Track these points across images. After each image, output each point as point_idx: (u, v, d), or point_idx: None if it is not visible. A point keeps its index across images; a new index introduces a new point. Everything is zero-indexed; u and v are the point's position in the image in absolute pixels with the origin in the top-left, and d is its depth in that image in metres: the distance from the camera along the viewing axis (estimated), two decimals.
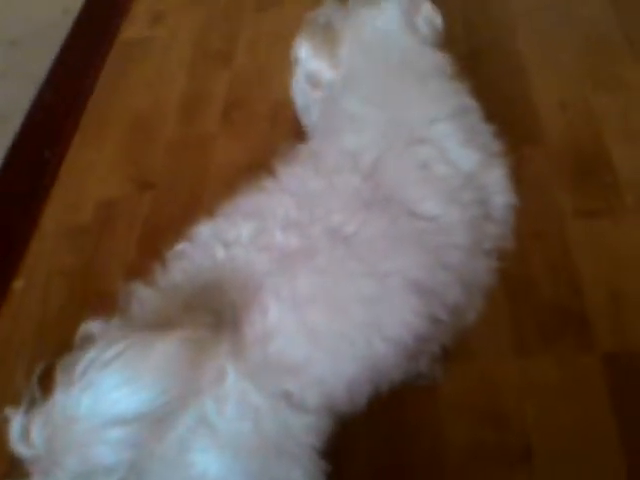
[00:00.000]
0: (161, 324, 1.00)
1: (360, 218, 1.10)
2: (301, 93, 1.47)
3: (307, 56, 1.44)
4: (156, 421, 0.89)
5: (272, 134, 2.09)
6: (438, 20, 1.45)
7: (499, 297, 1.52)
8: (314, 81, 1.42)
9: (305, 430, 1.05)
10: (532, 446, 1.39)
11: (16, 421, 0.89)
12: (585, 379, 1.45)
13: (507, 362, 1.50)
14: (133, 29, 2.65)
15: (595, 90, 2.01)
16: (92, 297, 1.80)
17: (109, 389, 0.84)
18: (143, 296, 1.06)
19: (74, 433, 0.86)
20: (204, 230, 1.12)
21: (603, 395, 1.43)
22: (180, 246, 1.12)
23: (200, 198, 1.95)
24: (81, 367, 0.86)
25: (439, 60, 1.37)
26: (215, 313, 1.01)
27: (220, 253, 1.07)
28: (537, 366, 1.48)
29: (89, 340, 0.95)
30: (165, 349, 0.88)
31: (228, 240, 1.08)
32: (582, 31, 2.20)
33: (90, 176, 2.16)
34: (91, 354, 0.86)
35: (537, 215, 1.70)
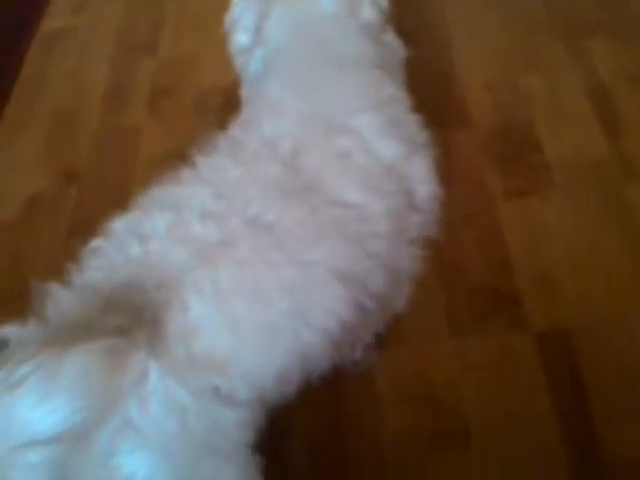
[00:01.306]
0: (79, 326, 0.97)
1: (280, 207, 1.07)
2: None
3: (235, 16, 1.42)
4: (77, 437, 0.85)
5: (200, 122, 2.04)
6: (383, 1, 1.44)
7: (431, 280, 1.52)
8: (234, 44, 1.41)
9: (235, 425, 1.02)
10: (469, 427, 1.39)
11: None
12: (518, 358, 1.46)
13: (441, 345, 1.50)
14: (54, 20, 2.57)
15: (522, 71, 2.02)
16: (18, 295, 1.74)
17: (22, 411, 0.80)
18: (59, 297, 1.02)
19: None
20: (119, 225, 1.08)
21: (537, 373, 1.43)
22: (94, 243, 1.07)
23: (128, 189, 1.89)
24: None
25: (370, 49, 1.35)
26: (134, 311, 0.98)
27: (136, 248, 1.03)
28: (471, 347, 1.48)
29: (4, 345, 0.92)
30: (77, 363, 0.84)
31: (144, 234, 1.05)
32: (509, 13, 2.21)
33: (14, 172, 2.10)
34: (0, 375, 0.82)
35: (467, 197, 1.70)
